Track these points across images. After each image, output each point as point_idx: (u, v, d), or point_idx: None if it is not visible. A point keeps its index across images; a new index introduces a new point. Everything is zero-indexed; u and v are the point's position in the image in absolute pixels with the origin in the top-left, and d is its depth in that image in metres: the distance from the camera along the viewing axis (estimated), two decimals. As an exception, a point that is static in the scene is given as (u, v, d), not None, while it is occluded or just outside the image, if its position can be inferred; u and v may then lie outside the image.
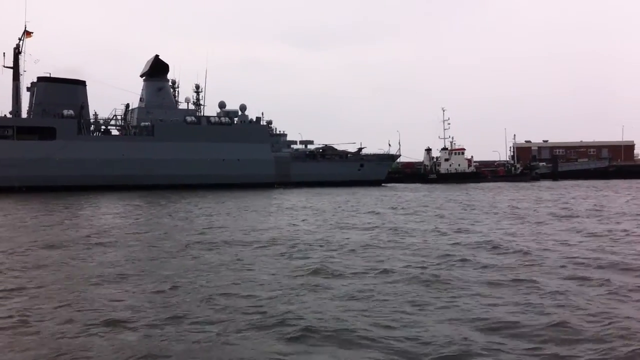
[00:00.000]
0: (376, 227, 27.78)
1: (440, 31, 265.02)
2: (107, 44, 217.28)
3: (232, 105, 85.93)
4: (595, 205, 42.38)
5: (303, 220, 31.31)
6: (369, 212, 37.43)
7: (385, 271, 15.66)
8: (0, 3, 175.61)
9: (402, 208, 41.29)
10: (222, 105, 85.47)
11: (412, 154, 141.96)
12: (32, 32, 73.87)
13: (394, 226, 27.88)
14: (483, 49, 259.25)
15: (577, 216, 32.91)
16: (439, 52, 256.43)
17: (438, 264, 16.92)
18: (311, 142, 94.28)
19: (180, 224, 29.83)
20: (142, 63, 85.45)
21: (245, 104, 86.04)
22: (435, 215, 34.32)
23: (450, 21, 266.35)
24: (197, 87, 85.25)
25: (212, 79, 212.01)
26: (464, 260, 17.42)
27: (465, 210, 38.95)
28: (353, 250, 19.85)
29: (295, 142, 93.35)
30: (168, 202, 47.67)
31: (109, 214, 36.74)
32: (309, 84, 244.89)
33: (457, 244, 21.25)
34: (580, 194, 59.09)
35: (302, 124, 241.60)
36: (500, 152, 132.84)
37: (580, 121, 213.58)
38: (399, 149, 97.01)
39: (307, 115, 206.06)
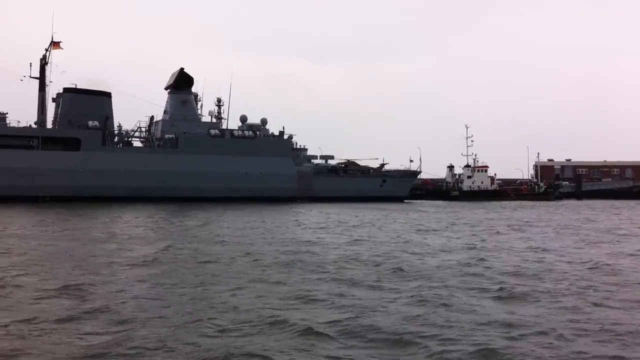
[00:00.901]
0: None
1: (459, 48, 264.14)
2: (132, 57, 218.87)
3: (253, 119, 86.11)
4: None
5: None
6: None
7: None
8: (28, 14, 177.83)
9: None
10: (243, 119, 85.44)
11: (432, 170, 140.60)
12: (61, 42, 74.43)
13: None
14: (504, 67, 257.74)
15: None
16: (458, 70, 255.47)
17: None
18: (331, 157, 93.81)
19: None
20: (165, 76, 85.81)
21: (266, 118, 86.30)
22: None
23: (470, 39, 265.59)
24: (219, 100, 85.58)
25: (233, 93, 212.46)
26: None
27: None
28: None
29: (315, 157, 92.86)
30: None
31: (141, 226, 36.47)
32: (328, 99, 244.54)
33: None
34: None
35: (321, 139, 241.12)
36: (522, 171, 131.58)
37: (603, 140, 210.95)
38: (420, 165, 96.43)
39: (326, 130, 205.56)
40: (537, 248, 25.84)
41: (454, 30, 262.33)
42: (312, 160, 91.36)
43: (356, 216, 49.47)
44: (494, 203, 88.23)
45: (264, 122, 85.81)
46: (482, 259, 21.65)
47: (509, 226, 40.04)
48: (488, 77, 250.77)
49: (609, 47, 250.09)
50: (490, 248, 25.92)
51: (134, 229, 33.91)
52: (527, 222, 44.79)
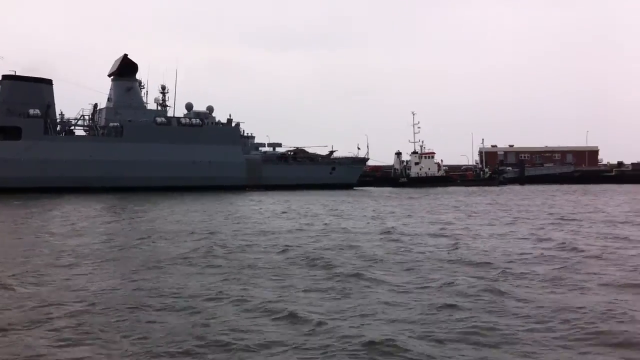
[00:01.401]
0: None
1: (406, 38, 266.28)
2: (73, 44, 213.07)
3: (199, 107, 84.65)
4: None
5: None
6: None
7: None
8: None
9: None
10: (189, 106, 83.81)
11: (380, 157, 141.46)
12: (-3, 29, 71.63)
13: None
14: (447, 57, 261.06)
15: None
16: (404, 59, 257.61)
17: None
18: (279, 145, 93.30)
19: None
20: (108, 63, 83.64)
21: (212, 105, 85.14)
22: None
23: (417, 28, 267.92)
24: (163, 87, 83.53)
25: (178, 81, 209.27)
26: None
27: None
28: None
29: (263, 145, 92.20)
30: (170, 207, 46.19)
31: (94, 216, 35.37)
32: (275, 87, 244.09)
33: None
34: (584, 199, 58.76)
35: (269, 126, 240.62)
36: (467, 157, 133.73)
37: (544, 126, 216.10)
38: (367, 152, 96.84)
39: (274, 118, 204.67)
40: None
41: (401, 20, 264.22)
42: (260, 148, 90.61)
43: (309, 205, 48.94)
44: (440, 189, 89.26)
45: (210, 109, 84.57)
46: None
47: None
48: (431, 66, 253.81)
49: (549, 35, 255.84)
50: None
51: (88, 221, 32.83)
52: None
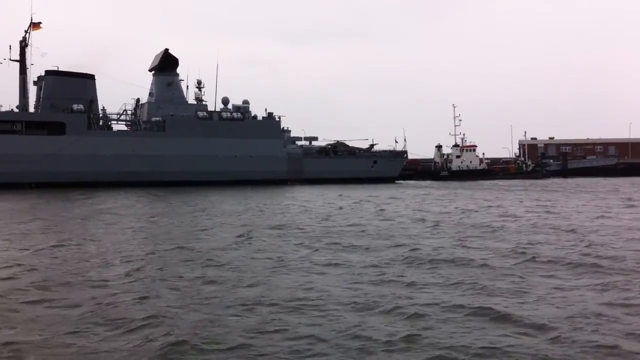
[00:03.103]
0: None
1: (439, 31, 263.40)
2: (114, 39, 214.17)
3: (233, 102, 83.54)
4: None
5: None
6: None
7: None
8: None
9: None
10: (225, 101, 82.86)
11: (417, 150, 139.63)
12: (41, 23, 71.67)
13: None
14: (486, 49, 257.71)
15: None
16: (441, 52, 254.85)
17: None
18: (315, 139, 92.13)
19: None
20: (147, 59, 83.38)
21: (248, 100, 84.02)
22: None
23: (452, 22, 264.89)
24: (199, 82, 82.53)
25: (212, 76, 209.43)
26: None
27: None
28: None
29: (299, 139, 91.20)
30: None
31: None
32: (305, 81, 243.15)
33: None
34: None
35: (301, 120, 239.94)
36: (509, 150, 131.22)
37: (586, 118, 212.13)
38: (405, 145, 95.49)
39: (306, 112, 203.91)
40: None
41: (439, 12, 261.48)
42: (297, 142, 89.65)
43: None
44: (487, 182, 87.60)
45: (246, 103, 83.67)
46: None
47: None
48: (470, 58, 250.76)
49: (593, 29, 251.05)
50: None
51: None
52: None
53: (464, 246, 19.03)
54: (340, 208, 36.08)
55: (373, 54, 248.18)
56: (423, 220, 28.33)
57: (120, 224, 26.58)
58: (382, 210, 34.75)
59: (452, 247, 18.78)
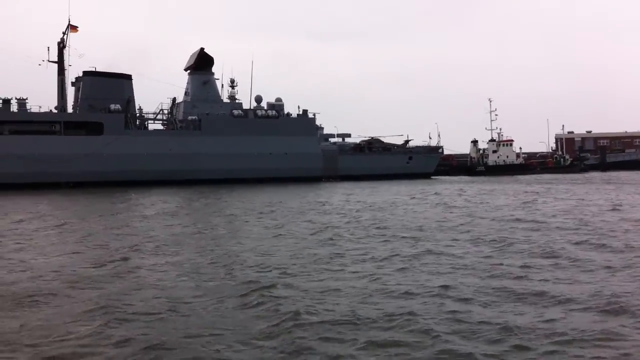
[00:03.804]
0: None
1: (471, 27, 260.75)
2: (150, 41, 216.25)
3: (266, 99, 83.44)
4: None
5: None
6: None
7: None
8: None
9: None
10: (258, 99, 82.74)
11: (450, 146, 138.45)
12: (78, 27, 72.53)
13: None
14: (519, 43, 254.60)
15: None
16: (473, 46, 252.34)
17: None
18: (348, 135, 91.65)
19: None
20: (184, 59, 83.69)
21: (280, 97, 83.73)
22: None
23: (484, 16, 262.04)
24: (232, 81, 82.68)
25: (244, 75, 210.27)
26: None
27: None
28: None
29: (332, 135, 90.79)
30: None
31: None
32: (338, 78, 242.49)
33: None
34: None
35: (334, 117, 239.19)
36: (546, 144, 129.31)
37: (623, 112, 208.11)
38: (439, 140, 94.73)
39: (339, 108, 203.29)
40: None
41: (471, 5, 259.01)
42: (330, 139, 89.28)
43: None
44: (526, 177, 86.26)
45: (279, 101, 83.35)
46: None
47: None
48: (503, 51, 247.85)
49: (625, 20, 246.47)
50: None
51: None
52: None
53: None
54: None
55: (404, 50, 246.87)
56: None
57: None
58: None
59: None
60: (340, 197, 45.15)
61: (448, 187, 60.30)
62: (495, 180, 77.29)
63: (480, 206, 33.70)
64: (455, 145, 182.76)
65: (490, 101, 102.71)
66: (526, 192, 48.09)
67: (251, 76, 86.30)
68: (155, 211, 33.25)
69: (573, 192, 47.21)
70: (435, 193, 47.94)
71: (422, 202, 38.29)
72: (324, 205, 36.36)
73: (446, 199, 40.53)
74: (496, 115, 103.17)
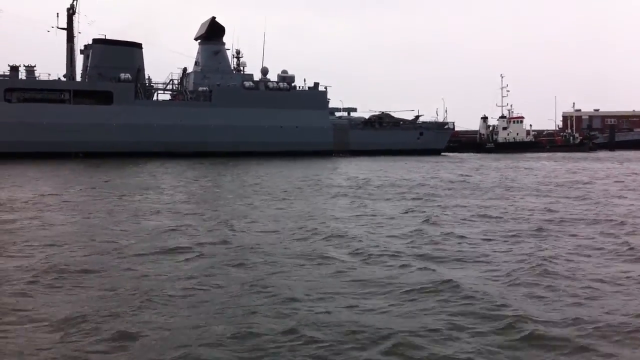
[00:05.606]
0: None
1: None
2: (161, 9, 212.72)
3: (273, 72, 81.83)
4: None
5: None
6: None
7: None
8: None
9: None
10: (264, 71, 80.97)
11: (458, 122, 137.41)
12: (88, -8, 70.83)
13: None
14: (529, 18, 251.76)
15: None
16: (483, 22, 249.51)
17: None
18: (354, 110, 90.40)
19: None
20: (194, 29, 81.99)
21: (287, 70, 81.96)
22: None
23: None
24: (238, 52, 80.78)
25: (253, 46, 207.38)
26: None
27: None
28: None
29: (338, 109, 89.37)
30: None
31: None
32: (343, 51, 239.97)
33: None
34: None
35: (339, 91, 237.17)
36: (553, 121, 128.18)
37: (631, 91, 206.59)
38: (445, 116, 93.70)
39: (344, 82, 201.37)
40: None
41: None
42: (336, 113, 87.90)
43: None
44: (535, 154, 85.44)
45: (284, 73, 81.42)
46: None
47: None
48: (514, 27, 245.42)
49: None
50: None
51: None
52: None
53: None
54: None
55: (412, 24, 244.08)
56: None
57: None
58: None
59: None
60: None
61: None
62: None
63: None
64: (462, 121, 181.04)
65: (502, 77, 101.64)
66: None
67: (263, 47, 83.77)
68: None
69: None
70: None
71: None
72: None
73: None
74: (507, 91, 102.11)
